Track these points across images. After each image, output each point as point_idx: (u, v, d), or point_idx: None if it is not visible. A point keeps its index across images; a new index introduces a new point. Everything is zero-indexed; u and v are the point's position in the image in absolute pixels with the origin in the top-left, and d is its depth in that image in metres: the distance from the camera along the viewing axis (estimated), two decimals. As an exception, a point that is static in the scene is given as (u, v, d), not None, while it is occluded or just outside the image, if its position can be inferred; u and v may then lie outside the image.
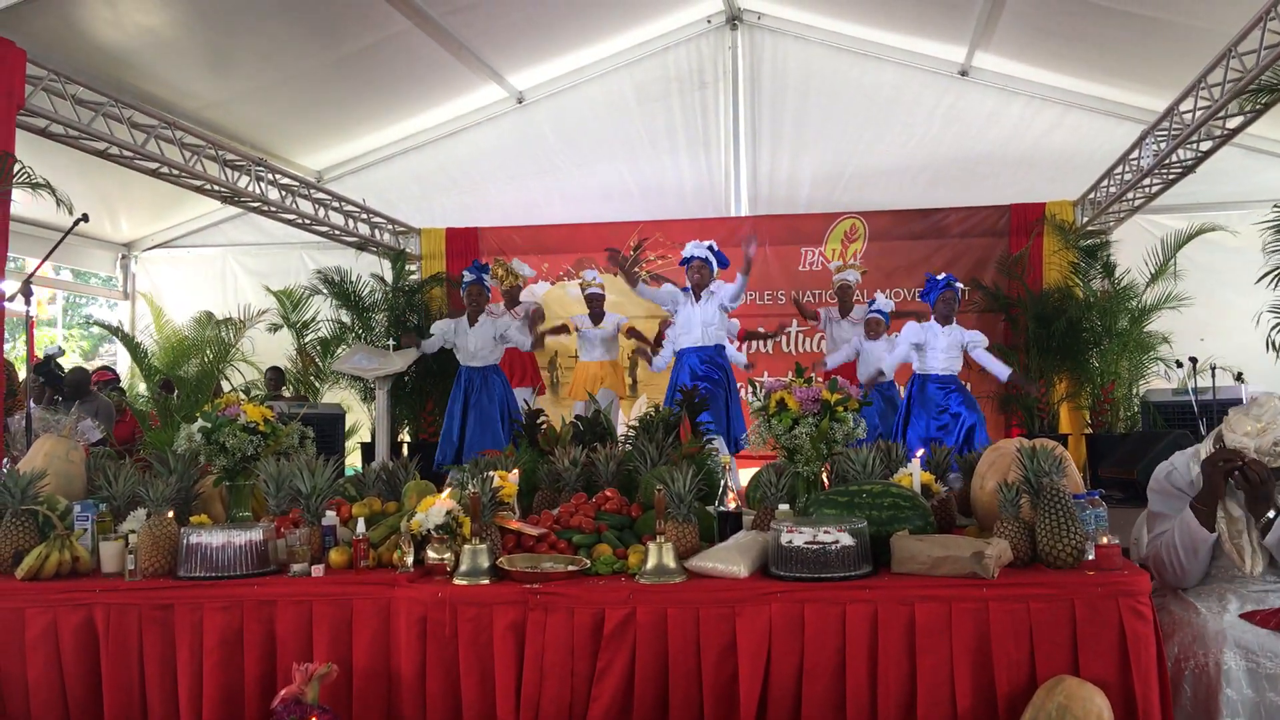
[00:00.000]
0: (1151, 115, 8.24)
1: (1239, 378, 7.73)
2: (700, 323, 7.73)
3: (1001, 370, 7.88)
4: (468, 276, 8.71)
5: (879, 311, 8.91)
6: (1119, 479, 7.06)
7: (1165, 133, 7.58)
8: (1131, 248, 9.63)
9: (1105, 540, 3.31)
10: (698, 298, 7.74)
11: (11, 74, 5.84)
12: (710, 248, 7.83)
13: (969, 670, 3.14)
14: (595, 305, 9.33)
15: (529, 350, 9.05)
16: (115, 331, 9.73)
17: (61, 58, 7.00)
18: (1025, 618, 3.15)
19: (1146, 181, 8.29)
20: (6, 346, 6.12)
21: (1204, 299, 9.24)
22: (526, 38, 9.62)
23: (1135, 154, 8.18)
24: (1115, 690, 3.06)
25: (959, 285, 8.07)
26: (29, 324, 6.55)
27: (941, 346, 7.94)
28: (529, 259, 10.04)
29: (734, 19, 10.29)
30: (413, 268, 10.79)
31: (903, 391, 8.38)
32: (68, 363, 9.30)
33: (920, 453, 4.23)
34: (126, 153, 7.35)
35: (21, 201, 6.10)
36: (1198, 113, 6.98)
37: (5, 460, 5.74)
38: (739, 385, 8.16)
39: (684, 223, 10.57)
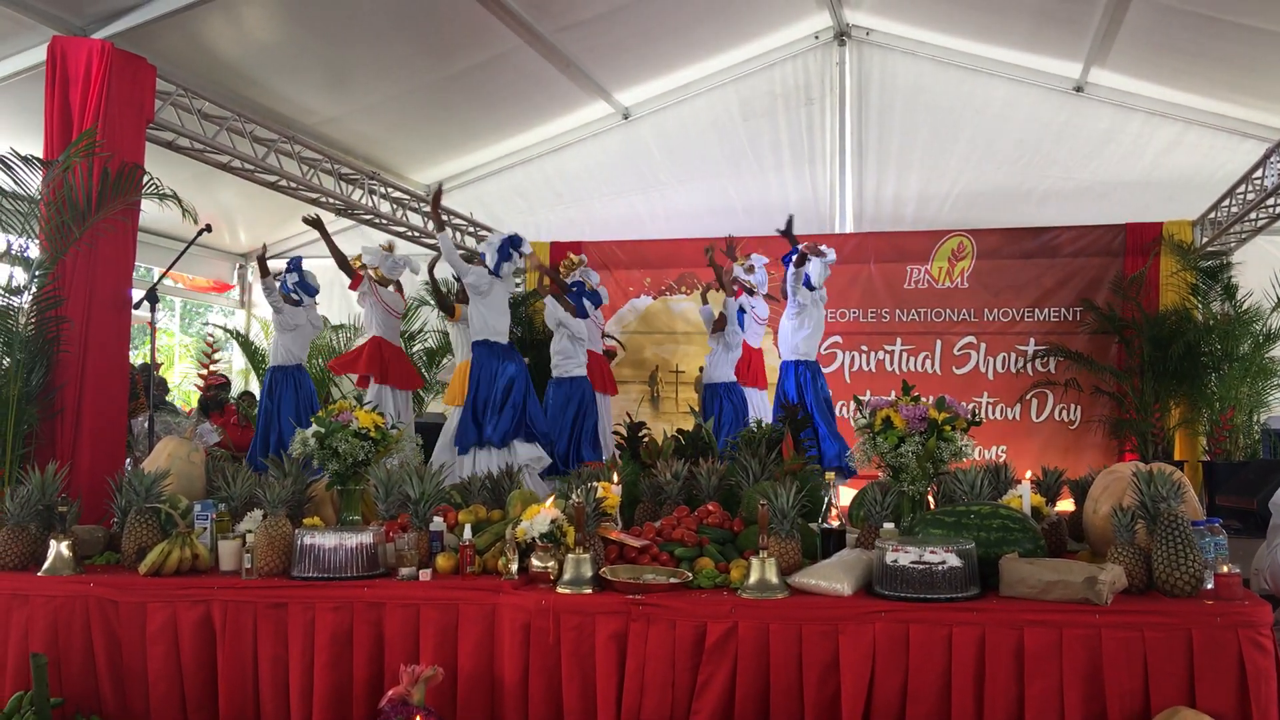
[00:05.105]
0: (1276, 133, 7.96)
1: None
2: None
3: None
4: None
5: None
6: (1238, 508, 6.81)
7: (1292, 151, 7.32)
8: (1255, 269, 9.28)
9: (1225, 569, 3.21)
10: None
11: (143, 90, 6.10)
12: None
13: (1080, 698, 3.07)
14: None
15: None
16: (235, 336, 10.07)
17: (188, 73, 7.26)
18: (1140, 646, 3.07)
19: (1271, 201, 7.99)
20: (131, 351, 6.38)
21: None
22: (634, 55, 9.70)
23: (1259, 173, 7.90)
24: (1233, 724, 2.97)
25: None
26: (152, 330, 6.80)
27: None
28: (631, 273, 10.04)
29: (842, 35, 10.22)
30: (518, 280, 10.92)
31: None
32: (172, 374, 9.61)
33: (1029, 475, 4.15)
34: (248, 166, 7.60)
35: (147, 211, 6.34)
36: (1327, 130, 6.73)
37: (128, 461, 5.98)
38: None
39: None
